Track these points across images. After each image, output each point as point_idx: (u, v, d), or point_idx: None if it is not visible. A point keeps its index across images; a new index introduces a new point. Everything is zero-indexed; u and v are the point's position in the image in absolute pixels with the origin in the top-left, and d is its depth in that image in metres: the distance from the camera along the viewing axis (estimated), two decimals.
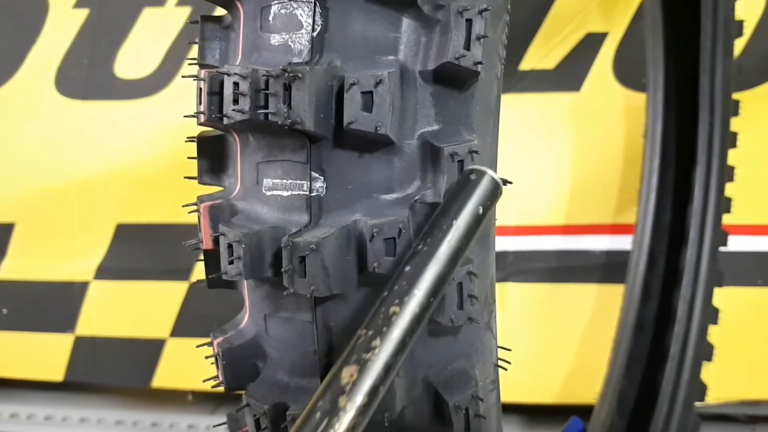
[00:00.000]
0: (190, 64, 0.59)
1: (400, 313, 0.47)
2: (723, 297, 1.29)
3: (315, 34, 0.51)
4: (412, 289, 0.48)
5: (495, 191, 0.53)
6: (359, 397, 0.45)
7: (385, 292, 0.48)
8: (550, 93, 1.47)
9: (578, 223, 1.48)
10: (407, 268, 0.49)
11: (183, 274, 1.57)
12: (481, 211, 0.52)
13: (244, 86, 0.51)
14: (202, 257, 0.59)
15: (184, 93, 0.65)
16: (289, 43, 0.52)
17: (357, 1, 0.52)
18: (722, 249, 1.28)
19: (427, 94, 0.53)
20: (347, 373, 0.45)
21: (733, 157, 1.28)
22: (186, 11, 1.57)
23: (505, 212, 0.67)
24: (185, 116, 0.59)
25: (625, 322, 1.34)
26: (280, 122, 0.50)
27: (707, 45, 1.20)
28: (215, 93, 0.53)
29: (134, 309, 1.61)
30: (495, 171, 0.59)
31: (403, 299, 0.48)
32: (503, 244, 1.47)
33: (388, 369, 0.46)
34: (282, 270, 0.51)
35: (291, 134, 0.51)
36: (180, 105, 0.64)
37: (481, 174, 0.53)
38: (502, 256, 1.48)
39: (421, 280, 0.48)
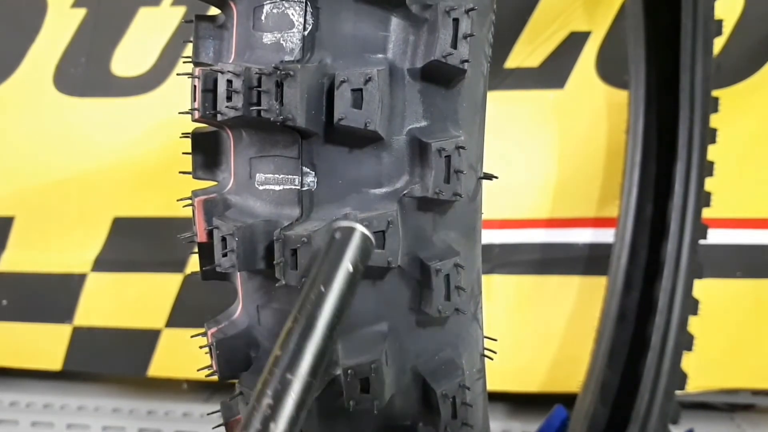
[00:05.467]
0: (184, 62, 0.59)
1: (276, 407, 0.40)
2: (702, 288, 1.31)
3: (306, 33, 0.52)
4: (286, 376, 0.41)
5: (366, 244, 0.48)
6: None
7: (258, 385, 0.42)
8: (535, 90, 1.48)
9: (562, 216, 1.50)
10: (278, 353, 0.42)
11: (178, 266, 1.58)
12: (352, 269, 0.46)
13: (237, 84, 0.51)
14: (196, 250, 0.59)
15: (179, 90, 0.65)
16: (281, 42, 0.53)
17: (347, 1, 0.52)
18: (702, 242, 1.30)
19: (416, 91, 0.53)
20: None
21: (712, 152, 1.30)
22: (181, 11, 1.58)
23: (491, 206, 0.69)
24: (180, 113, 0.59)
25: (607, 313, 1.35)
26: (272, 119, 0.50)
27: (687, 43, 1.22)
28: (209, 90, 0.53)
29: (130, 300, 1.61)
30: (481, 167, 0.59)
31: (276, 389, 0.40)
32: (489, 237, 1.49)
33: None
34: (274, 262, 0.52)
35: (283, 130, 0.52)
36: (175, 102, 0.65)
37: (349, 231, 0.48)
38: (488, 248, 1.49)
39: (297, 364, 0.41)
